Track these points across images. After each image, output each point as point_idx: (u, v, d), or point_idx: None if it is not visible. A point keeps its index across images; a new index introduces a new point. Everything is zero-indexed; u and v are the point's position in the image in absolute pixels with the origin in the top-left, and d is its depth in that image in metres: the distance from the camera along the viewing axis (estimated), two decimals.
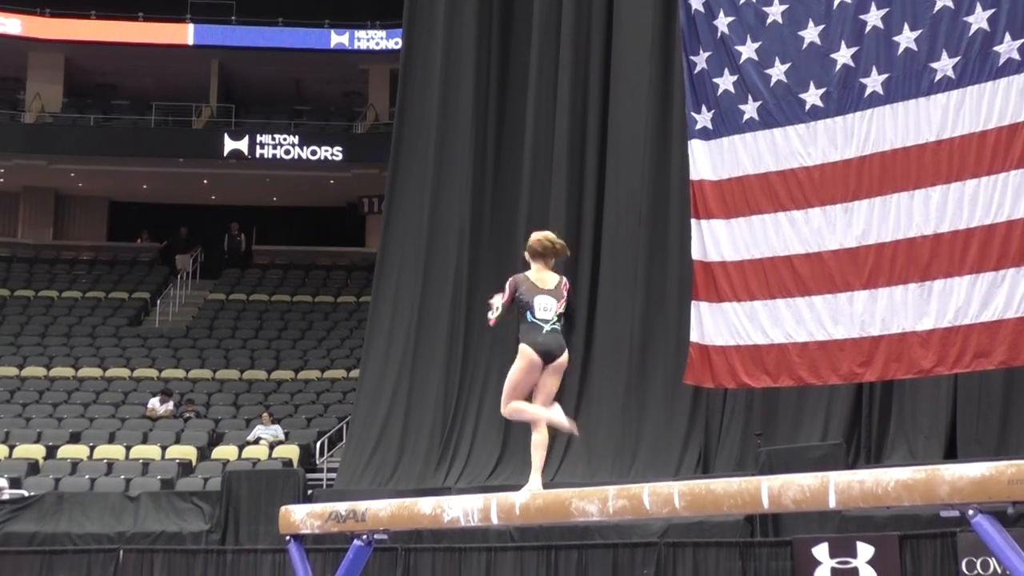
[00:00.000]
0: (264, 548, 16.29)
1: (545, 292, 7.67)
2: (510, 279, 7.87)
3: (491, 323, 7.87)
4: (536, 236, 7.92)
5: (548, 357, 7.61)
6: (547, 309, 7.62)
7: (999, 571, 11.61)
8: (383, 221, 20.92)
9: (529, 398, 7.76)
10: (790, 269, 14.04)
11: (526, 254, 7.92)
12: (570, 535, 14.70)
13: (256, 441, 21.84)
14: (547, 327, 7.60)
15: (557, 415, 7.68)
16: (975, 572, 12.04)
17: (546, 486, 7.74)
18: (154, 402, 23.43)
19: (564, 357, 7.64)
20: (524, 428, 19.00)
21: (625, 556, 14.33)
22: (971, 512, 5.80)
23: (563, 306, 7.65)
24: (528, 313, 7.65)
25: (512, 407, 7.77)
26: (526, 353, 7.63)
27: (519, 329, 7.76)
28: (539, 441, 7.73)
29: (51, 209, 32.26)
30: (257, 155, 29.52)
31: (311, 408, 24.06)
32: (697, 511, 7.03)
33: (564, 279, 7.78)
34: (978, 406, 14.34)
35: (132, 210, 33.19)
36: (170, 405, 23.42)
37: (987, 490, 5.70)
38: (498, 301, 7.76)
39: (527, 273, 7.80)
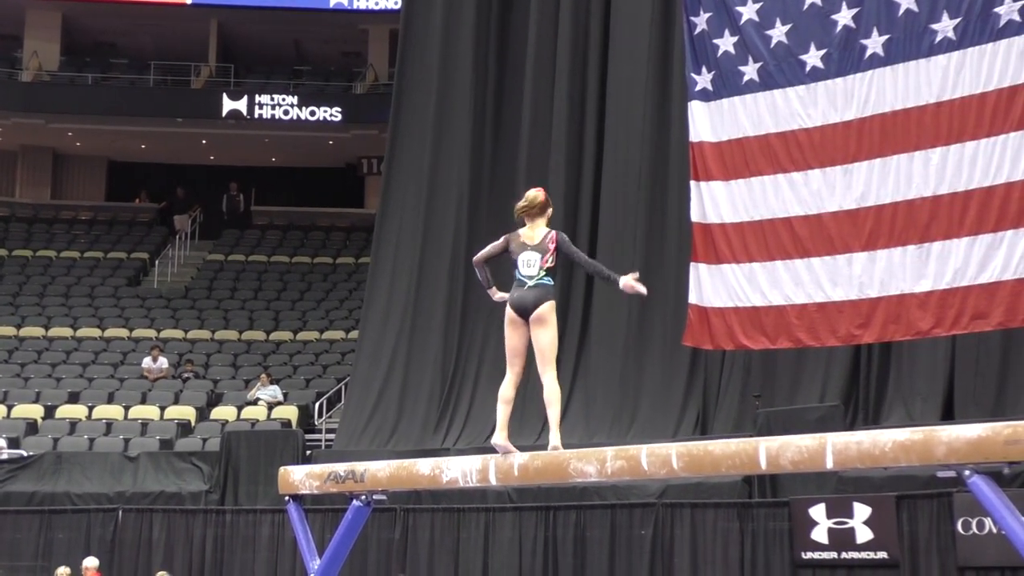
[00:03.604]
0: (263, 508, 16.36)
1: (531, 248, 7.67)
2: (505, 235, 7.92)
3: (475, 259, 7.97)
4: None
5: (523, 312, 7.60)
6: (530, 264, 7.62)
7: (994, 531, 11.64)
8: (382, 182, 20.92)
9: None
10: (789, 231, 14.03)
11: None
12: (568, 496, 14.75)
13: (255, 402, 21.86)
14: (530, 282, 7.60)
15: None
16: (971, 532, 12.09)
17: (543, 447, 7.75)
18: (147, 361, 23.44)
19: (542, 309, 7.54)
20: (524, 390, 19.09)
21: (623, 517, 14.38)
22: (967, 473, 5.81)
23: (550, 260, 7.62)
24: (515, 270, 7.69)
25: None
26: (507, 310, 7.70)
27: None
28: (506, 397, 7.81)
29: (49, 168, 32.15)
30: (256, 115, 29.37)
31: (310, 369, 24.09)
32: (695, 472, 7.04)
33: (552, 233, 7.70)
34: (975, 367, 14.36)
35: (131, 170, 33.09)
36: (164, 362, 23.40)
37: (983, 451, 5.71)
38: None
39: (520, 230, 7.81)
